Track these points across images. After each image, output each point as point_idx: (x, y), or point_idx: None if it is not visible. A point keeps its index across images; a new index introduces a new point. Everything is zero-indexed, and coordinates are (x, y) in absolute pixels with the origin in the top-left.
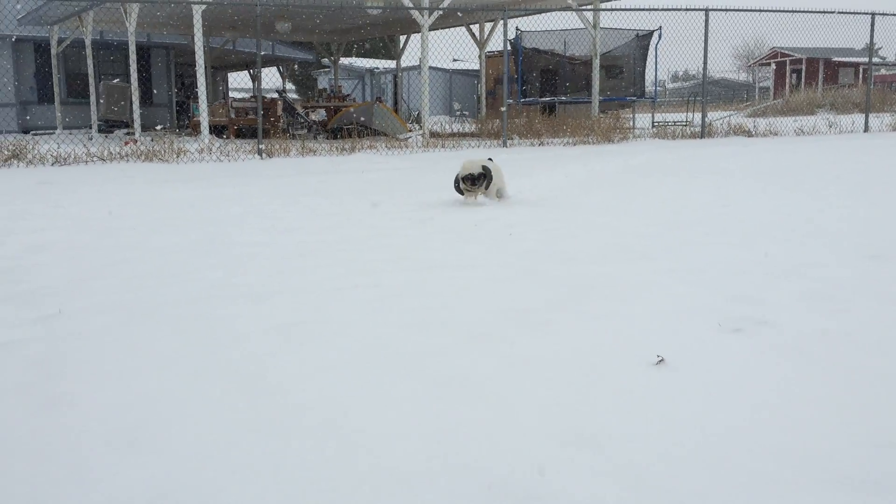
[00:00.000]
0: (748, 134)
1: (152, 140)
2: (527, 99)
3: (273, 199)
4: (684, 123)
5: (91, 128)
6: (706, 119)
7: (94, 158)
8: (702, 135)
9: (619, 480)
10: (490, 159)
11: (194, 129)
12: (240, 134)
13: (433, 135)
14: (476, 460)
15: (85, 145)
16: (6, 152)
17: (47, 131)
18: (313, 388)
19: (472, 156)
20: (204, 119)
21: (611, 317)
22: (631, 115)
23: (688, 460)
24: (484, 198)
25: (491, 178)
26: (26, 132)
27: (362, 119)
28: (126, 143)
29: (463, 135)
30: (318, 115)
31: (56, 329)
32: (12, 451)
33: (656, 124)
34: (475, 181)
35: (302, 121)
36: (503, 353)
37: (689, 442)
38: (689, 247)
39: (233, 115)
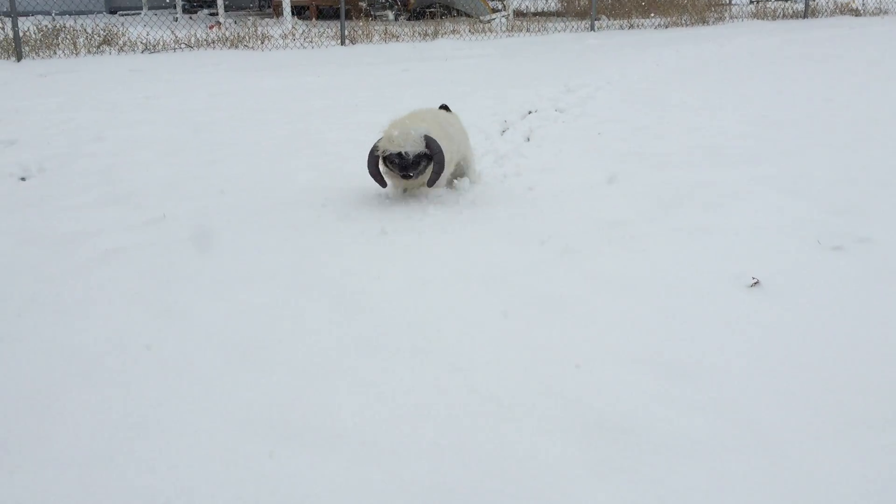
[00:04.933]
0: (856, 13)
1: (235, 23)
2: None
3: (357, 90)
4: (785, 1)
5: (175, 8)
6: None
7: (182, 45)
8: (804, 14)
9: (711, 415)
10: (445, 107)
11: (275, 11)
12: (321, 15)
13: (518, 15)
14: (570, 390)
15: (172, 31)
16: (97, 38)
17: (133, 12)
18: (408, 306)
19: (412, 115)
20: (286, 1)
21: (704, 232)
22: None
23: (784, 396)
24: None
25: (441, 166)
26: (113, 13)
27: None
28: (210, 27)
29: (548, 14)
30: None
31: (162, 234)
32: (135, 361)
33: (754, 2)
34: (408, 167)
35: (384, 0)
36: (594, 271)
37: (786, 375)
38: (787, 150)
39: None
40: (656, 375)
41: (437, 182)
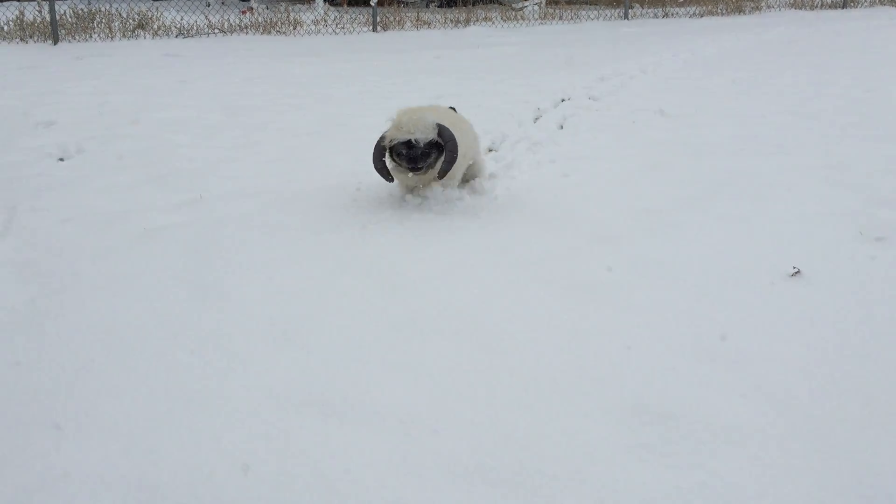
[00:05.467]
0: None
1: (267, 8)
2: None
3: (389, 76)
4: None
5: None
6: None
7: (216, 31)
8: (844, 4)
9: (752, 401)
10: (452, 108)
11: None
12: (352, 0)
13: (550, 2)
14: (609, 374)
15: (205, 15)
16: (132, 22)
17: None
18: (446, 288)
19: (417, 105)
20: None
21: (744, 220)
22: None
23: (823, 384)
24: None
25: (453, 154)
26: None
27: None
28: (243, 12)
29: (581, 2)
30: None
31: (200, 215)
32: (175, 338)
33: None
34: (417, 159)
35: None
36: (632, 258)
37: (826, 365)
38: (828, 140)
39: None
40: (695, 361)
41: (449, 175)
